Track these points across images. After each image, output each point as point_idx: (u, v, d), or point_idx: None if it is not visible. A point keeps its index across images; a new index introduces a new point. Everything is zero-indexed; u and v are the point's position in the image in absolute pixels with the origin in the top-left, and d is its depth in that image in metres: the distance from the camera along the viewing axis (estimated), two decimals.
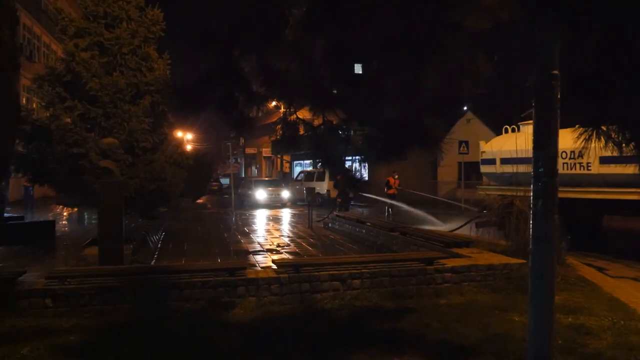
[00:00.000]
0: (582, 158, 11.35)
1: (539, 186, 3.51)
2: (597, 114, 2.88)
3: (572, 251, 10.63)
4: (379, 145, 5.30)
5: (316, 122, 5.38)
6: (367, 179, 24.73)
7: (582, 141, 2.95)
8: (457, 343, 5.45)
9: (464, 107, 25.64)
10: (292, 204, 29.06)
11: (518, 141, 11.23)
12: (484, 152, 15.10)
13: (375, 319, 6.46)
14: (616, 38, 2.59)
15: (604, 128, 2.99)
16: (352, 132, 5.83)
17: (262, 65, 4.65)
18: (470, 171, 25.94)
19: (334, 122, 5.34)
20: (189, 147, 26.22)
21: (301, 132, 5.61)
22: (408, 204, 20.26)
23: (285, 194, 29.68)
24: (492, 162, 14.60)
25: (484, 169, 15.29)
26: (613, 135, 2.95)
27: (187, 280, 6.95)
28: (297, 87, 4.89)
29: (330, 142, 5.56)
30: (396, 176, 21.00)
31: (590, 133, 2.95)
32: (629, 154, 3.00)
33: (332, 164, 5.92)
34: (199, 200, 30.02)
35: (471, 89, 4.30)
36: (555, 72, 3.12)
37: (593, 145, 3.02)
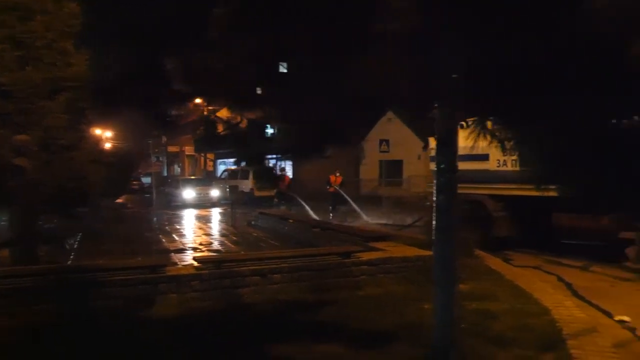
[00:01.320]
0: None
1: (441, 181, 3.80)
2: (484, 113, 3.21)
3: (522, 249, 11.08)
4: (300, 143, 5.49)
5: (235, 121, 5.48)
6: (291, 176, 24.95)
7: (472, 139, 3.27)
8: (375, 331, 5.72)
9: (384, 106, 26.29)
10: (217, 202, 28.80)
11: (471, 137, 10.98)
12: (433, 149, 15.09)
13: (297, 311, 6.66)
14: (502, 52, 2.92)
15: (489, 127, 3.32)
16: (275, 131, 5.97)
17: (184, 65, 4.71)
18: (392, 169, 26.75)
19: (255, 119, 5.47)
20: (108, 145, 25.32)
21: (220, 129, 5.71)
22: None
23: (215, 193, 29.37)
24: None
25: (432, 166, 15.14)
26: (497, 134, 3.30)
27: (108, 278, 6.87)
28: (219, 86, 4.99)
29: (253, 140, 5.69)
30: (337, 174, 20.32)
31: (478, 131, 3.28)
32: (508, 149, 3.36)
33: (255, 162, 6.05)
34: (119, 200, 29.10)
35: (392, 89, 4.53)
36: (454, 75, 3.43)
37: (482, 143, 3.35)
